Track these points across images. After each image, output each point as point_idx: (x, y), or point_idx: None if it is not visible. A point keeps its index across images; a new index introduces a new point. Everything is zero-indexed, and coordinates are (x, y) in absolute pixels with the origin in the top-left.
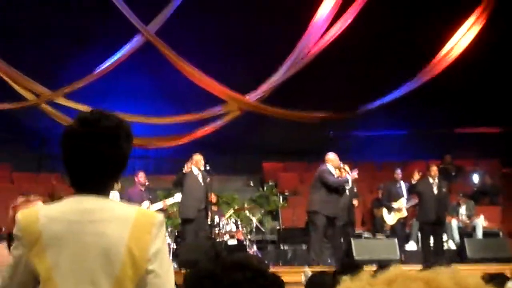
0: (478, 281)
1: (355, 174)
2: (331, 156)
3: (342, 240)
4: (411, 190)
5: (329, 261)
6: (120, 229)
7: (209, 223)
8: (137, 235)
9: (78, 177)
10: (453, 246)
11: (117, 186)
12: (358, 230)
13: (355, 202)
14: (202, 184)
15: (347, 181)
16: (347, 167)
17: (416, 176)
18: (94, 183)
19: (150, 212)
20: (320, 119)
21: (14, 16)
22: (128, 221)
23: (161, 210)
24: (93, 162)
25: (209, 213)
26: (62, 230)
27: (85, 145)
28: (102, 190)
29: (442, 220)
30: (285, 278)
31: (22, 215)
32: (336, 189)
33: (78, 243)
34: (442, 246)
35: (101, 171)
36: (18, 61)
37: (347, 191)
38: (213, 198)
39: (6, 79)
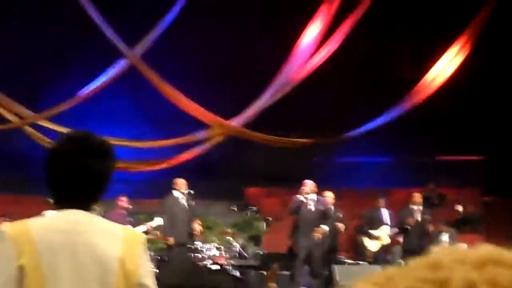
0: None
1: None
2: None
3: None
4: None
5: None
6: (111, 242)
7: (191, 247)
8: (128, 250)
9: (65, 193)
10: None
11: (99, 209)
12: (340, 256)
13: (340, 225)
14: (187, 207)
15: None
16: None
17: None
18: (80, 198)
19: (135, 231)
20: (303, 145)
21: None
22: (117, 236)
23: (144, 233)
24: (82, 177)
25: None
26: (57, 240)
27: (75, 160)
28: (86, 206)
29: (425, 248)
30: None
31: (10, 226)
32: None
33: (72, 252)
34: None
35: (88, 186)
36: (1, 84)
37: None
38: (198, 228)
39: None
